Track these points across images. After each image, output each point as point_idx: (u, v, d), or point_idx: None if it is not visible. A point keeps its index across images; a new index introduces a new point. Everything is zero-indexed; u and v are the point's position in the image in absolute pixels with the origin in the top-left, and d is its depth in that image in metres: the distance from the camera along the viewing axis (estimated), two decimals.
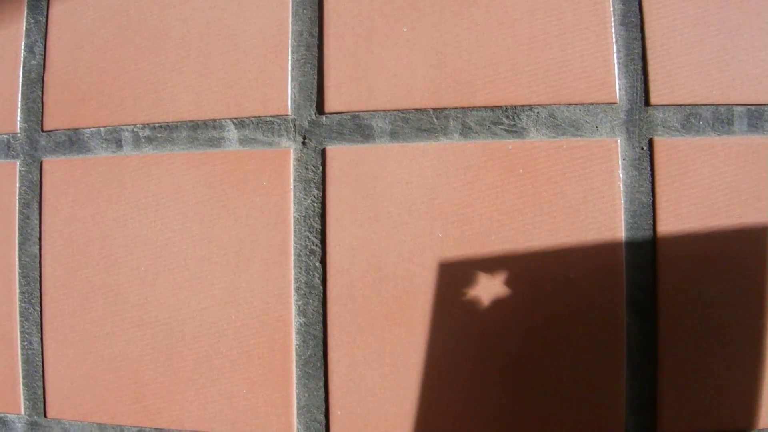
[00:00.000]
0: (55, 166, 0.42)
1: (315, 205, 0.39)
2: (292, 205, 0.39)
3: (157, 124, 0.41)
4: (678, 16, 0.38)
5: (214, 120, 0.40)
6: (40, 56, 0.43)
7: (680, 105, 0.38)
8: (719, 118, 0.38)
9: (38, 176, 0.42)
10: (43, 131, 0.42)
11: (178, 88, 0.41)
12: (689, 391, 0.37)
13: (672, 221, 0.38)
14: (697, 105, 0.38)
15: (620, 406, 0.37)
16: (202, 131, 0.40)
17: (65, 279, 0.41)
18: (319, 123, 0.39)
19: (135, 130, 0.41)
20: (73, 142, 0.42)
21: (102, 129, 0.41)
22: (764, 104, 0.38)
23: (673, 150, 0.38)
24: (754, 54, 0.38)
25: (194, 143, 0.40)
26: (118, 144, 0.41)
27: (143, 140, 0.41)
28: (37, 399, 0.42)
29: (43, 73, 0.43)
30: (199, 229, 0.40)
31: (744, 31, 0.38)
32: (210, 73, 0.40)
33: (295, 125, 0.40)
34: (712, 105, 0.38)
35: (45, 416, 0.42)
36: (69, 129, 0.42)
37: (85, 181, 0.41)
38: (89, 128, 0.42)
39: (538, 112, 0.38)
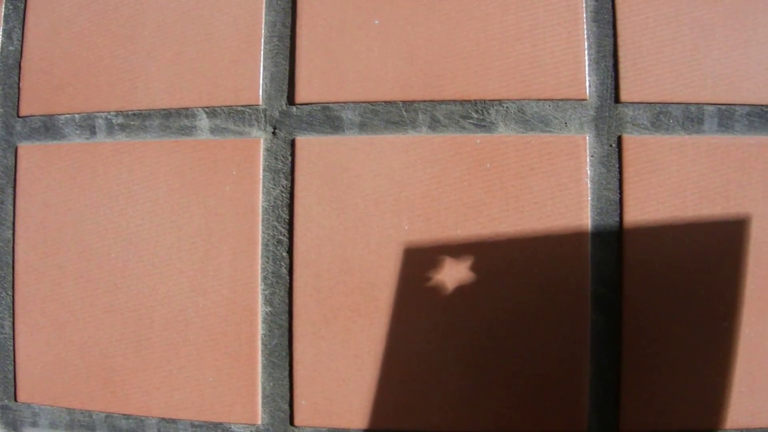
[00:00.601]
0: (30, 152, 0.42)
1: (283, 195, 0.39)
2: (260, 195, 0.39)
3: (130, 112, 0.41)
4: (651, 14, 0.39)
5: (187, 108, 0.40)
6: (18, 42, 0.43)
7: (650, 103, 0.38)
8: (689, 117, 0.38)
9: (13, 161, 0.43)
10: (18, 117, 0.43)
11: (152, 77, 0.41)
12: (653, 390, 0.37)
13: (639, 219, 0.38)
14: (668, 103, 0.38)
15: (583, 403, 0.38)
16: (174, 119, 0.40)
17: (37, 264, 0.42)
18: (289, 113, 0.40)
19: (109, 117, 0.41)
20: (48, 128, 0.42)
21: (76, 116, 0.42)
22: (735, 104, 0.38)
23: (642, 148, 0.38)
24: (727, 54, 0.38)
25: (166, 131, 0.40)
26: (92, 131, 0.41)
27: (116, 128, 0.41)
28: (8, 383, 0.43)
29: (20, 59, 0.43)
30: (169, 217, 0.40)
31: (717, 31, 0.38)
32: (184, 62, 0.41)
33: (266, 115, 0.40)
34: (683, 104, 0.38)
35: (15, 400, 0.42)
36: (44, 115, 0.42)
37: (59, 167, 0.42)
38: (64, 115, 0.42)
39: (507, 107, 0.38)
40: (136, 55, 0.41)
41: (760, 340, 0.37)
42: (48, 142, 0.42)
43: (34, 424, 0.42)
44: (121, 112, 0.41)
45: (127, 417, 0.41)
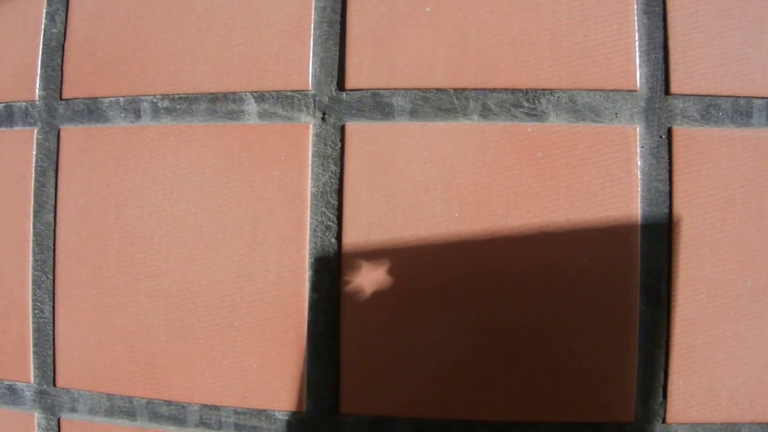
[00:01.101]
0: (73, 135, 0.42)
1: (332, 181, 0.39)
2: (309, 181, 0.39)
3: (176, 96, 0.41)
4: (701, 7, 0.39)
5: (234, 93, 0.40)
6: (61, 24, 0.43)
7: (700, 95, 0.38)
8: (738, 110, 0.38)
9: (55, 144, 0.42)
10: (61, 99, 0.42)
11: (198, 60, 0.41)
12: (701, 382, 0.37)
13: (688, 211, 0.38)
14: (717, 96, 0.38)
15: (630, 394, 0.38)
16: (221, 104, 0.40)
17: (79, 248, 0.41)
18: (339, 99, 0.39)
19: (154, 100, 0.41)
20: (92, 111, 0.42)
21: (121, 99, 0.41)
22: None
23: (691, 140, 0.38)
24: None
25: (213, 115, 0.40)
26: (137, 114, 0.41)
27: (162, 111, 0.41)
28: (47, 368, 0.42)
29: (64, 41, 0.43)
30: (215, 202, 0.40)
31: (765, 24, 0.38)
32: (231, 46, 0.40)
33: (315, 101, 0.40)
34: (732, 96, 0.38)
35: (54, 385, 0.42)
36: (88, 98, 0.42)
37: (102, 150, 0.41)
38: (108, 98, 0.42)
39: (558, 97, 0.38)
40: (182, 38, 0.41)
41: None
42: (91, 125, 0.42)
43: (73, 410, 0.41)
44: (167, 95, 0.41)
45: (169, 403, 0.40)
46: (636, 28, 0.39)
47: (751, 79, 0.38)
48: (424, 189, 0.38)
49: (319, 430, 0.39)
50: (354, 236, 0.39)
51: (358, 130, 0.39)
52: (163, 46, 0.41)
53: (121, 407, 0.41)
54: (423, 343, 0.38)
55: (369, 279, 0.38)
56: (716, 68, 0.38)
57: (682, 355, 0.37)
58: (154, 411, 0.40)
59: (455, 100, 0.39)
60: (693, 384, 0.37)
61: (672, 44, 0.39)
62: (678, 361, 0.37)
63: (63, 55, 0.42)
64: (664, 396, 0.38)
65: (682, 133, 0.38)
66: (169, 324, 0.40)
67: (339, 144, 0.39)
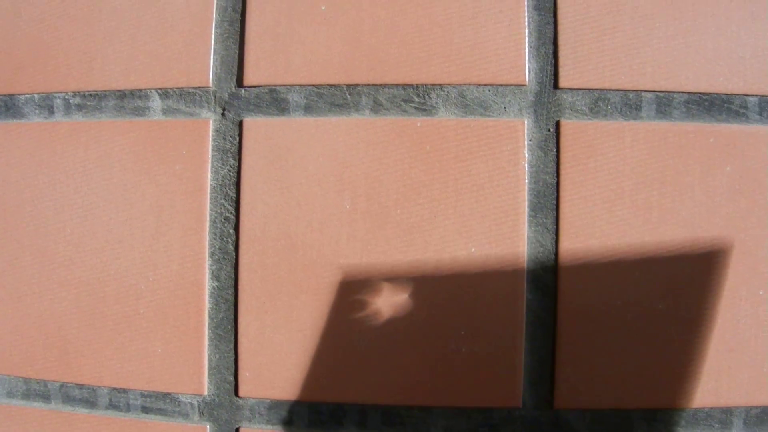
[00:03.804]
0: None
1: (231, 174, 0.40)
2: (209, 174, 0.41)
3: (87, 93, 0.42)
4: (592, 3, 0.39)
5: (141, 90, 0.42)
6: None
7: (589, 89, 0.39)
8: (628, 104, 0.39)
9: None
10: None
11: (108, 59, 0.42)
12: (587, 368, 0.39)
13: (576, 202, 0.39)
14: (606, 90, 0.39)
15: (518, 381, 0.39)
16: (128, 100, 0.42)
17: None
18: (238, 95, 0.41)
19: (66, 97, 0.43)
20: (9, 107, 0.43)
21: (36, 95, 0.43)
22: (673, 91, 0.39)
23: (580, 132, 0.39)
24: (666, 42, 0.39)
25: (121, 111, 0.42)
26: (50, 110, 0.43)
27: (74, 107, 0.42)
28: None
29: None
30: (122, 195, 0.41)
31: (657, 20, 0.39)
32: (139, 45, 0.42)
33: (215, 97, 0.41)
34: (622, 90, 0.39)
35: None
36: (5, 95, 0.43)
37: (18, 145, 0.43)
38: (24, 94, 0.43)
39: (448, 92, 0.40)
40: (93, 37, 0.42)
41: (694, 323, 0.38)
42: (8, 121, 0.43)
43: None
44: (78, 92, 0.42)
45: (81, 387, 0.42)
46: (526, 23, 0.40)
47: (642, 73, 0.39)
48: (318, 182, 0.40)
49: (220, 413, 0.41)
50: (251, 227, 0.40)
51: (255, 125, 0.40)
52: (76, 44, 0.43)
53: (36, 390, 0.43)
54: (319, 329, 0.39)
55: (266, 268, 0.40)
56: (606, 62, 0.39)
57: (568, 342, 0.39)
58: (67, 394, 0.42)
59: (348, 96, 0.40)
60: (580, 370, 0.39)
61: (562, 39, 0.39)
62: (565, 348, 0.39)
63: None
64: (552, 382, 0.39)
65: (570, 126, 0.39)
66: (81, 311, 0.42)
67: (237, 139, 0.41)
